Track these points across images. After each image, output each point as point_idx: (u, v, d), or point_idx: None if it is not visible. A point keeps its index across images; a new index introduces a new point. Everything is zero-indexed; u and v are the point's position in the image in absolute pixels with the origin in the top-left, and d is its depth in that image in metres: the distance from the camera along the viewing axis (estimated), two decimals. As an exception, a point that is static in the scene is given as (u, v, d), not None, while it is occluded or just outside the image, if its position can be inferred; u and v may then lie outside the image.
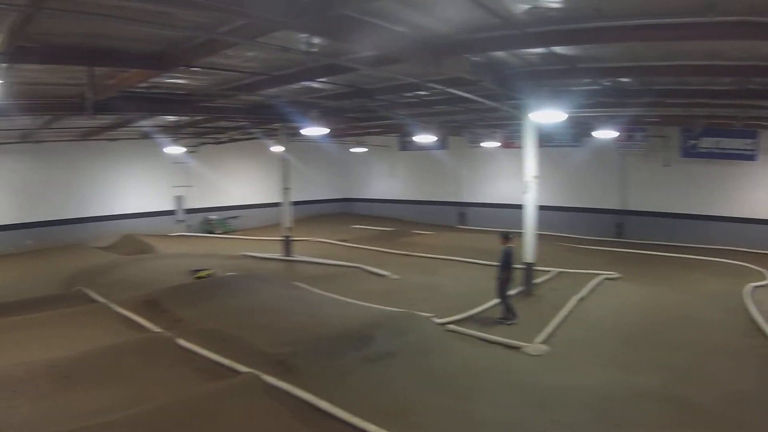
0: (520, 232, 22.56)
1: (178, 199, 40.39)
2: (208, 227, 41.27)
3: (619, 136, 32.12)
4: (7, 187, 33.28)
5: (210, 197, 42.15)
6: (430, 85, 18.47)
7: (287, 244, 31.48)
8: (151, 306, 19.19)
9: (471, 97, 19.91)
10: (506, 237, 19.65)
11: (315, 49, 14.00)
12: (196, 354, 15.09)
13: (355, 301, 20.85)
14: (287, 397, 12.65)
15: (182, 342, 15.70)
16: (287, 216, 31.98)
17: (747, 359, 16.23)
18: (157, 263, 28.06)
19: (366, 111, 26.90)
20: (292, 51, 13.73)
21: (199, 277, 22.89)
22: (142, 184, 38.96)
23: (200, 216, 41.64)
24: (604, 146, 35.74)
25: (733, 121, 27.44)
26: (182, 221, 40.56)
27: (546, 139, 34.01)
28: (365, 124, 32.89)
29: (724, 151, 33.64)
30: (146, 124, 29.72)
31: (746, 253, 31.44)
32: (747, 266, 28.52)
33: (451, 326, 18.48)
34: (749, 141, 32.58)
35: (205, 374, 14.07)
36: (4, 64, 13.11)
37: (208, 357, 14.84)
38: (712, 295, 23.08)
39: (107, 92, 18.35)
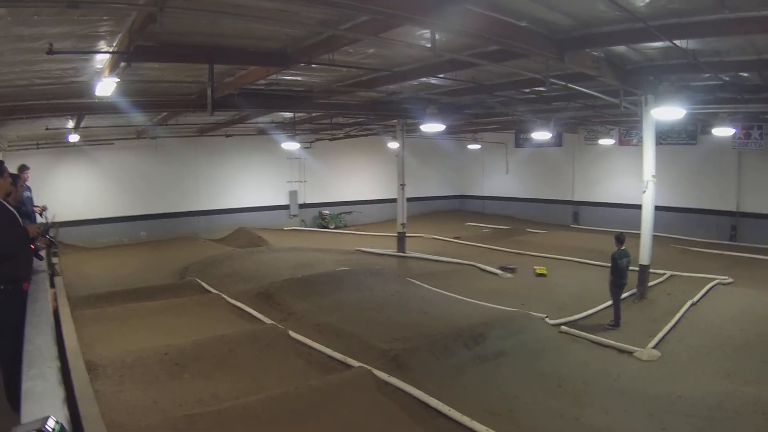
0: (636, 233, 22.23)
1: (292, 194, 40.84)
2: (322, 222, 41.52)
3: (736, 133, 31.34)
4: (125, 181, 34.45)
5: (324, 192, 42.48)
6: (551, 80, 18.30)
7: (401, 240, 31.50)
8: (263, 298, 19.50)
9: (590, 92, 19.69)
10: (619, 240, 19.36)
11: (437, 45, 13.96)
12: (308, 347, 15.29)
13: (468, 299, 20.81)
14: (398, 393, 12.70)
15: (294, 334, 15.91)
16: (402, 212, 31.95)
17: None
18: (269, 256, 28.42)
19: (484, 107, 26.81)
20: (415, 47, 13.73)
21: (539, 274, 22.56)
22: (257, 178, 39.62)
23: (314, 211, 41.97)
24: (721, 144, 34.46)
25: None
26: (296, 216, 40.98)
27: (662, 137, 33.39)
28: (482, 120, 32.70)
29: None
30: (262, 120, 30.14)
31: None
32: None
33: (564, 327, 18.32)
34: None
35: (317, 367, 14.24)
36: (124, 63, 13.35)
37: (320, 350, 15.02)
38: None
39: (226, 89, 18.72)
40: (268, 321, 17.43)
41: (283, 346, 15.30)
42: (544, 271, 25.23)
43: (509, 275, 25.91)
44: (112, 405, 11.40)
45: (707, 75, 19.05)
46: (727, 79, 20.03)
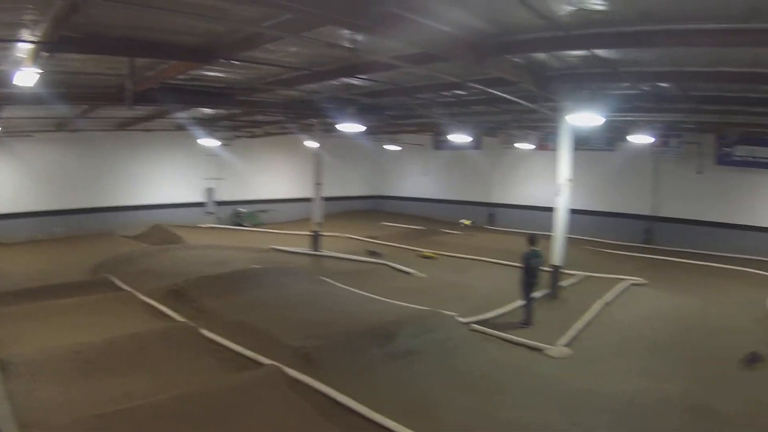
0: (550, 235, 22.63)
1: (209, 191, 40.44)
2: (238, 220, 41.23)
3: (654, 141, 32.01)
4: (40, 175, 33.47)
5: (241, 190, 42.21)
6: (470, 84, 18.43)
7: (316, 239, 31.55)
8: (176, 296, 19.33)
9: (509, 97, 19.93)
10: (531, 240, 19.73)
11: (358, 46, 13.98)
12: (219, 345, 15.22)
13: (380, 298, 20.94)
14: (309, 390, 12.73)
15: (206, 332, 15.82)
16: (317, 211, 32.04)
17: None
18: (183, 254, 28.23)
19: (404, 109, 26.94)
20: (337, 47, 13.76)
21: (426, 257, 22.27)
22: (174, 175, 39.07)
23: (230, 208, 41.62)
24: (638, 151, 35.79)
25: (768, 130, 27.31)
26: (212, 213, 40.63)
27: (580, 143, 33.91)
28: (402, 122, 32.89)
29: (759, 160, 33.51)
30: (182, 116, 29.81)
31: None
32: None
33: (476, 326, 18.54)
34: (784, 150, 32.46)
35: (229, 365, 14.20)
36: (46, 54, 13.19)
37: (232, 348, 14.96)
38: (740, 304, 22.95)
39: (146, 84, 18.54)
40: (180, 319, 17.28)
41: (195, 344, 15.18)
42: (432, 255, 25.30)
43: (422, 275, 26.07)
44: (24, 404, 11.22)
45: (627, 84, 19.40)
46: (647, 88, 20.45)
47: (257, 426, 11.14)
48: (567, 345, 17.37)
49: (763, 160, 33.40)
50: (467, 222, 24.68)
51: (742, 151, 33.90)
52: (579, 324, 19.14)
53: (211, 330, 15.97)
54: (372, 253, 26.86)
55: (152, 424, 10.51)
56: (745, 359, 15.04)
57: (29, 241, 31.83)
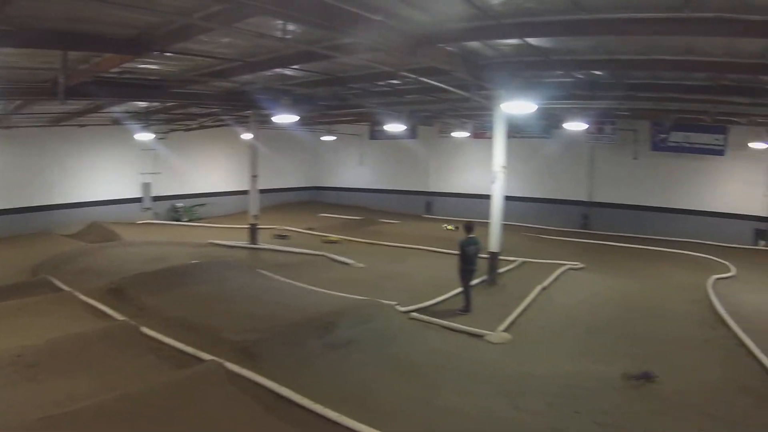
0: (487, 222, 22.81)
1: (146, 186, 39.80)
2: (176, 215, 40.79)
3: (589, 128, 32.48)
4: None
5: (178, 184, 41.64)
6: (404, 74, 18.53)
7: (254, 232, 31.51)
8: (116, 294, 19.09)
9: (443, 86, 20.07)
10: (467, 228, 19.94)
11: (290, 36, 13.99)
12: (160, 342, 15.06)
13: (319, 289, 21.03)
14: (250, 384, 12.73)
15: (147, 330, 15.65)
16: (254, 204, 31.94)
17: (709, 350, 16.68)
18: (122, 251, 27.91)
19: (338, 99, 26.95)
20: (268, 37, 13.75)
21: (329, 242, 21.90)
22: (111, 171, 38.30)
23: (168, 203, 41.12)
24: (574, 138, 36.55)
25: (703, 116, 27.81)
26: (149, 209, 40.06)
27: (516, 130, 34.37)
28: (337, 112, 32.93)
29: (694, 146, 34.41)
30: (117, 110, 29.45)
31: (712, 246, 32.10)
32: (712, 259, 29.16)
33: (415, 314, 18.75)
34: (719, 136, 33.34)
35: (170, 362, 14.06)
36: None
37: (173, 345, 14.83)
38: (676, 286, 23.49)
39: (80, 77, 18.32)
40: (120, 317, 17.03)
41: (136, 343, 15.03)
42: (334, 239, 25.31)
43: (360, 265, 26.25)
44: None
45: (561, 72, 19.61)
46: (581, 76, 20.72)
47: (199, 422, 11.12)
48: (506, 330, 17.59)
49: (697, 146, 34.17)
50: (450, 227, 24.58)
51: (676, 137, 34.76)
52: (518, 309, 19.42)
53: (151, 327, 15.78)
54: (279, 237, 26.65)
55: (96, 425, 10.41)
56: (632, 377, 15.33)
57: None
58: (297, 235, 35.02)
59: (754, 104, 22.77)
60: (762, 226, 34.43)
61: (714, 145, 34.00)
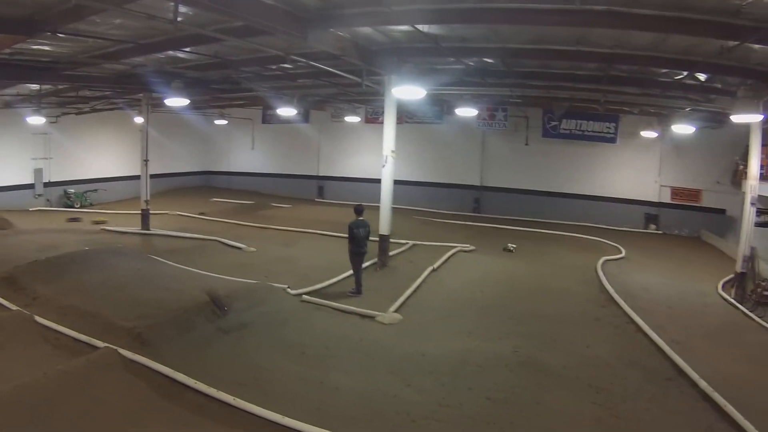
0: (374, 206, 23.09)
1: (38, 172, 38.65)
2: (68, 201, 39.71)
3: (481, 114, 33.04)
4: None
5: (70, 170, 40.53)
6: (295, 58, 18.59)
7: (146, 217, 31.19)
8: (7, 283, 18.68)
9: (334, 71, 20.26)
10: (357, 211, 20.11)
11: (181, 18, 13.96)
12: (55, 331, 14.89)
13: (210, 274, 21.05)
14: (145, 370, 12.79)
15: (40, 319, 15.44)
16: (146, 189, 31.51)
17: (599, 327, 17.55)
18: (13, 240, 27.15)
19: (230, 82, 26.86)
20: (160, 19, 13.68)
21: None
22: (0, 156, 37.05)
23: (60, 189, 40.02)
24: (467, 124, 37.25)
25: (595, 105, 28.50)
26: (41, 195, 38.95)
27: (409, 116, 34.85)
28: (228, 96, 32.80)
29: (585, 133, 35.38)
30: (6, 92, 28.86)
31: (604, 230, 33.22)
32: (603, 241, 30.22)
33: (306, 297, 19.02)
34: (610, 124, 34.40)
35: (66, 351, 13.92)
36: None
37: (67, 333, 14.67)
38: (568, 267, 24.34)
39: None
40: (13, 307, 16.71)
41: (30, 332, 14.81)
42: (102, 219, 24.59)
43: (252, 249, 26.44)
44: None
45: (452, 59, 19.87)
46: (472, 64, 21.03)
47: (94, 410, 11.07)
48: (397, 311, 18.04)
49: (589, 134, 35.13)
50: (511, 247, 24.18)
51: (568, 124, 35.68)
52: (408, 290, 19.91)
53: (45, 316, 15.57)
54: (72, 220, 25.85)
55: None
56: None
57: None
58: (191, 220, 34.82)
59: (644, 95, 23.55)
60: (652, 210, 36.34)
61: (606, 133, 35.11)
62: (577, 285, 22.12)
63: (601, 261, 25.41)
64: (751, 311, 20.08)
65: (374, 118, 39.94)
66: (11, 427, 10.19)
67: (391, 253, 24.12)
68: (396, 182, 23.45)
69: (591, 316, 18.63)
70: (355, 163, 44.48)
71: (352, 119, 41.02)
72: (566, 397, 12.86)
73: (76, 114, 37.85)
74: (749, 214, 21.32)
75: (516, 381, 13.59)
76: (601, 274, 23.35)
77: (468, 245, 27.69)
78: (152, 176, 32.47)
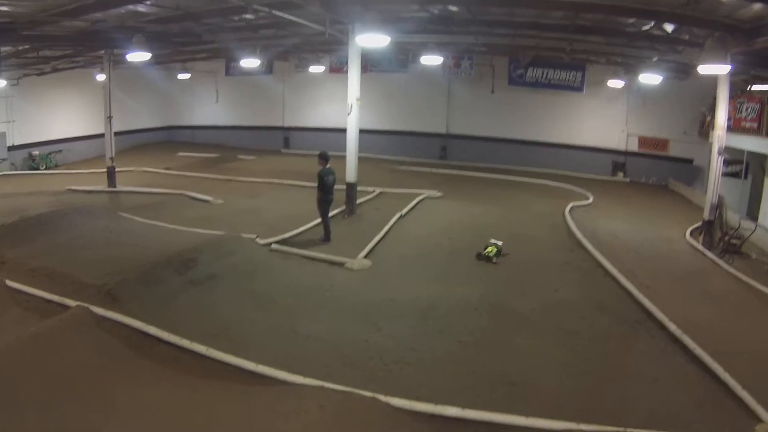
0: (339, 155, 23.06)
1: (1, 136, 38.20)
2: (33, 164, 39.09)
3: (446, 62, 32.95)
4: None
5: (34, 132, 39.65)
6: (257, 7, 18.40)
7: (111, 175, 31.02)
8: (-26, 250, 18.66)
9: (297, 20, 19.97)
10: (323, 158, 20.10)
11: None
12: (25, 294, 14.81)
13: (178, 227, 21.07)
14: (118, 326, 12.83)
15: (10, 282, 15.32)
16: (110, 147, 31.26)
17: (568, 272, 17.85)
18: (-20, 206, 27.12)
19: (192, 35, 26.59)
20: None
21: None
22: None
23: (24, 152, 39.27)
24: (432, 72, 37.14)
25: (561, 54, 28.43)
26: (5, 159, 38.21)
27: (374, 65, 34.72)
28: (191, 49, 32.45)
29: (552, 82, 35.35)
30: (-38, 56, 28.49)
31: (571, 178, 33.38)
32: (570, 188, 30.41)
33: (275, 246, 19.15)
34: (577, 73, 34.35)
35: (37, 313, 13.82)
36: None
37: (37, 295, 14.61)
38: (536, 213, 24.57)
39: None
40: (-19, 273, 16.72)
41: (1, 296, 14.76)
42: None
43: (219, 201, 26.55)
44: None
45: (416, 7, 19.77)
46: (437, 12, 20.90)
47: (68, 369, 11.05)
48: (366, 257, 18.24)
49: (555, 82, 35.20)
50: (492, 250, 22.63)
51: (534, 73, 35.65)
52: (377, 237, 20.14)
53: (15, 280, 15.45)
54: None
55: None
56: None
57: None
58: (156, 175, 34.72)
59: (609, 44, 23.46)
60: (619, 159, 36.76)
61: (572, 82, 35.09)
62: (545, 231, 22.39)
63: (568, 207, 25.68)
64: (718, 258, 20.37)
65: (338, 67, 39.63)
66: None
67: (358, 201, 24.21)
68: (362, 131, 23.59)
69: (559, 261, 18.88)
70: (320, 113, 44.40)
71: (316, 69, 40.72)
72: (536, 341, 13.09)
73: (38, 75, 37.21)
74: (717, 163, 21.47)
75: (485, 324, 13.85)
76: (569, 220, 23.60)
77: (435, 192, 27.97)
78: (116, 134, 32.13)
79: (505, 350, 12.62)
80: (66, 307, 13.68)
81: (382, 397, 9.99)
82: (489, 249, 17.94)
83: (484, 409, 9.86)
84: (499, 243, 17.11)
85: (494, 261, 17.04)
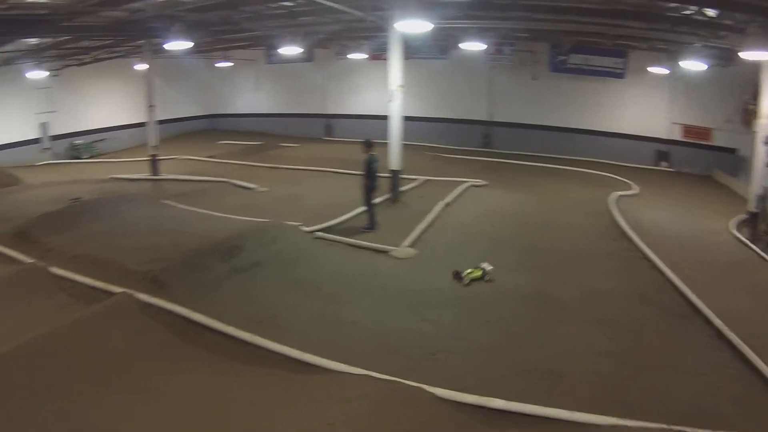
0: (386, 142, 23.15)
1: (43, 126, 38.56)
2: (75, 153, 39.73)
3: (487, 49, 32.66)
4: None
5: (76, 122, 40.41)
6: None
7: (154, 163, 31.18)
8: (21, 238, 18.68)
9: (337, 6, 19.88)
10: (368, 145, 20.02)
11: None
12: (70, 280, 14.95)
13: (222, 215, 21.09)
14: (162, 313, 12.90)
15: (56, 270, 15.49)
16: (153, 135, 31.46)
17: (609, 261, 17.59)
18: (24, 195, 26.96)
19: (231, 23, 26.61)
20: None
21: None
22: (4, 113, 36.81)
23: (66, 142, 39.92)
24: (473, 59, 36.84)
25: (602, 40, 28.12)
26: (48, 149, 38.89)
27: (414, 51, 34.59)
28: (230, 37, 32.51)
29: (594, 68, 34.96)
30: (6, 49, 28.66)
31: (611, 166, 32.98)
32: (612, 177, 30.01)
33: (319, 234, 19.03)
34: (619, 60, 33.83)
35: (82, 299, 13.98)
36: None
37: (82, 282, 14.73)
38: (578, 202, 24.27)
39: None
40: (28, 260, 16.77)
41: (46, 283, 14.91)
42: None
43: (264, 189, 26.58)
44: None
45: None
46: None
47: (115, 353, 11.21)
48: (411, 246, 18.09)
49: (597, 69, 34.69)
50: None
51: (576, 59, 35.24)
52: (422, 225, 19.93)
53: (60, 267, 15.62)
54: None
55: (12, 370, 10.34)
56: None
57: None
58: (199, 163, 34.95)
59: (651, 29, 23.18)
60: (663, 147, 35.77)
61: (614, 68, 34.65)
62: (588, 219, 22.09)
63: (612, 196, 25.29)
64: (763, 251, 19.89)
65: (379, 54, 39.42)
66: (35, 375, 10.27)
67: (401, 189, 24.12)
68: (403, 118, 23.44)
69: (603, 250, 18.64)
70: (361, 100, 44.13)
71: (356, 56, 40.37)
72: (580, 331, 12.96)
73: (78, 65, 37.55)
74: (762, 153, 21.19)
75: (530, 314, 13.77)
76: (612, 209, 23.24)
77: (479, 180, 27.65)
78: (158, 122, 32.34)
79: (549, 340, 12.48)
80: (110, 294, 13.77)
81: (426, 387, 9.92)
82: (472, 271, 17.09)
83: (527, 400, 9.74)
84: (489, 268, 16.62)
85: (466, 283, 16.41)
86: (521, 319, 13.47)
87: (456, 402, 9.79)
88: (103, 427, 9.10)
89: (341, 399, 9.65)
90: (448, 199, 23.52)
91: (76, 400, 9.64)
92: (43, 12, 20.94)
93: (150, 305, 13.06)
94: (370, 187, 19.86)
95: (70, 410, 9.39)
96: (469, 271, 15.70)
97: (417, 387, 9.91)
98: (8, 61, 31.88)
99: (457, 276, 15.62)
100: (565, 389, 10.54)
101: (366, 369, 10.57)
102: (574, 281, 15.72)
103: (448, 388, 10.01)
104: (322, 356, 11.12)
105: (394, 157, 23.11)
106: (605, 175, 31.50)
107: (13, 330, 12.22)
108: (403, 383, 10.01)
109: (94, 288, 14.36)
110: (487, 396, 9.80)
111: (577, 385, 10.74)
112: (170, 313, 12.84)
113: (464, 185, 26.10)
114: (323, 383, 10.38)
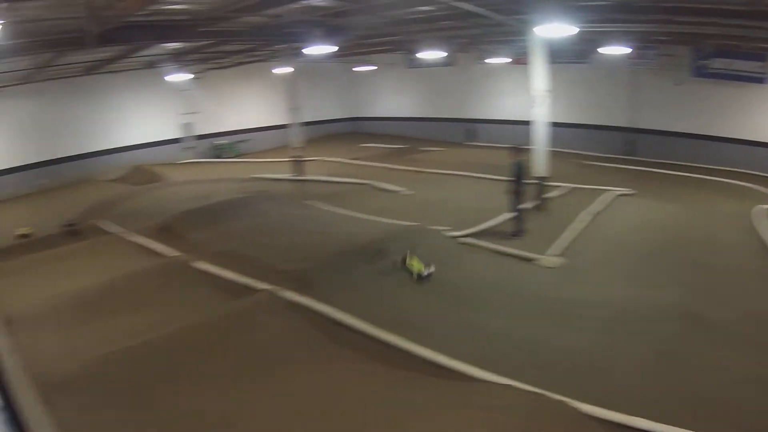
0: (530, 148, 22.59)
1: (186, 126, 40.01)
2: (217, 152, 40.97)
3: (629, 53, 32.06)
4: (16, 129, 32.95)
5: (217, 122, 41.76)
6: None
7: (297, 164, 31.45)
8: (165, 232, 19.39)
9: (477, 10, 19.75)
10: (516, 150, 19.66)
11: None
12: (213, 275, 15.43)
13: (367, 217, 21.11)
14: (306, 311, 13.11)
15: (199, 264, 16.00)
16: (296, 136, 31.98)
17: (759, 280, 16.39)
18: (167, 191, 28.03)
19: (371, 28, 26.75)
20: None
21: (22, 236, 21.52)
22: (149, 114, 38.56)
23: (208, 142, 41.27)
24: (615, 63, 35.81)
25: (742, 43, 27.34)
26: (191, 148, 40.23)
27: (555, 56, 34.13)
28: (371, 41, 32.65)
29: (734, 73, 33.55)
30: (149, 53, 29.35)
31: (752, 176, 31.51)
32: (755, 188, 28.63)
33: (465, 239, 18.75)
34: (759, 64, 32.51)
35: (225, 294, 14.42)
36: (4, 3, 12.96)
37: (226, 277, 15.18)
38: (723, 215, 23.16)
39: (107, 23, 18.17)
40: (173, 253, 17.40)
41: (190, 276, 15.48)
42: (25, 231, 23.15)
43: (409, 192, 26.36)
44: (31, 356, 11.29)
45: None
46: (617, -1, 20.42)
47: (264, 348, 11.54)
48: (558, 255, 17.55)
49: (738, 73, 33.44)
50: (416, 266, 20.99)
51: (718, 63, 33.96)
52: (568, 234, 19.37)
53: (203, 261, 16.17)
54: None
55: (163, 356, 10.88)
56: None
57: (15, 197, 31.47)
58: (340, 165, 35.20)
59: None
60: None
61: (754, 72, 33.48)
62: (734, 234, 20.88)
63: (755, 210, 23.68)
64: None
65: (520, 58, 39.20)
66: (175, 363, 10.74)
67: (547, 196, 23.55)
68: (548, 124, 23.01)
69: (750, 268, 17.57)
70: (503, 105, 43.49)
71: (497, 60, 39.74)
72: (731, 354, 12.18)
73: (219, 68, 38.52)
74: None
75: (680, 333, 13.07)
76: (756, 223, 21.96)
77: (626, 189, 26.79)
78: (301, 124, 32.93)
79: (700, 363, 11.87)
80: (253, 290, 14.15)
81: (570, 401, 9.71)
82: (414, 263, 16.29)
83: (674, 424, 9.40)
84: (432, 270, 15.92)
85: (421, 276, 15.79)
86: (673, 339, 12.84)
87: (601, 419, 9.51)
88: (222, 415, 9.39)
89: (483, 407, 9.48)
90: (595, 207, 22.95)
91: (210, 388, 10.03)
92: (183, 18, 21.37)
93: (295, 303, 13.32)
94: (517, 193, 19.50)
95: (198, 397, 9.75)
96: (413, 260, 15.67)
97: (562, 401, 9.66)
98: (151, 65, 32.69)
99: (420, 277, 15.40)
100: (714, 415, 10.08)
101: (510, 379, 10.39)
102: (727, 301, 14.86)
103: (593, 404, 9.76)
104: (469, 364, 10.98)
105: (540, 164, 22.62)
106: (747, 186, 30.10)
107: (161, 319, 12.81)
108: (548, 396, 9.76)
109: (237, 284, 14.77)
110: (632, 416, 9.52)
111: (727, 413, 10.19)
112: (313, 311, 13.07)
113: (611, 194, 25.36)
114: (464, 390, 10.29)
